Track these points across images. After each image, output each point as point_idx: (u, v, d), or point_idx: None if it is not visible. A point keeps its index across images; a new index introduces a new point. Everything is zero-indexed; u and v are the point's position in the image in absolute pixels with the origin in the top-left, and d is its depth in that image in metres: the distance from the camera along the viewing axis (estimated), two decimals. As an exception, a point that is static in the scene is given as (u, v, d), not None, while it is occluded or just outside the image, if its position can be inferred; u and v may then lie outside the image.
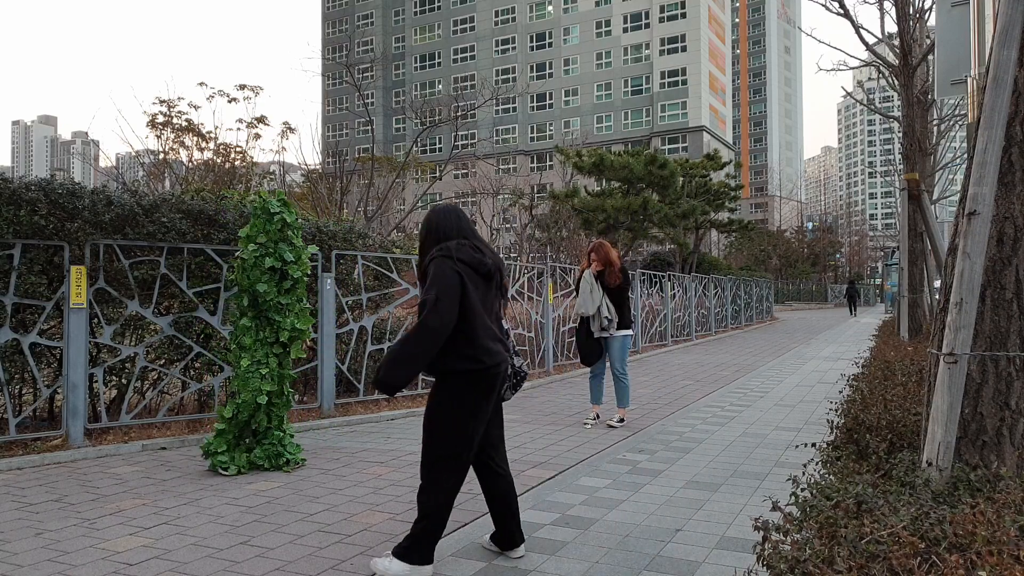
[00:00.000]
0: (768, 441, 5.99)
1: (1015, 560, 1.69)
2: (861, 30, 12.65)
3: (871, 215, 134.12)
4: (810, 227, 66.17)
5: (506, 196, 34.48)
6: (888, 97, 77.22)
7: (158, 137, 21.72)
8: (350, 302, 7.79)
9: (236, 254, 5.33)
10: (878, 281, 62.35)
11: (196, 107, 22.60)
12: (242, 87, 22.83)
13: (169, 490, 4.65)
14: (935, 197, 19.85)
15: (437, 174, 34.31)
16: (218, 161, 22.22)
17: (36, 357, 5.81)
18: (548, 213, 28.51)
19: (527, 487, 4.67)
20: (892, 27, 12.06)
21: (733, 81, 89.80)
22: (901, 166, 15.88)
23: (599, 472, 5.02)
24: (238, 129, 22.93)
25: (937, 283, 8.36)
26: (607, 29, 67.46)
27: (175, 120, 21.73)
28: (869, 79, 39.59)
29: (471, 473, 3.40)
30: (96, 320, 6.12)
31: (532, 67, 70.34)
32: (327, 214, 18.73)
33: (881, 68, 13.70)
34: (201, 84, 22.90)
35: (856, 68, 15.99)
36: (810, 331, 21.58)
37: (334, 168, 23.99)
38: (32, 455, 5.38)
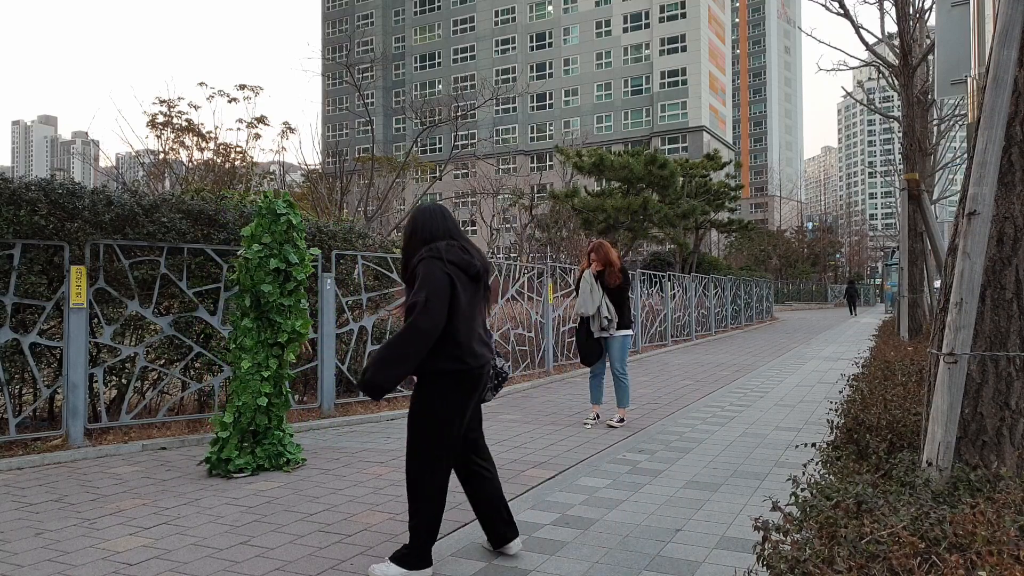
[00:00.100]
0: (768, 441, 5.99)
1: (1015, 560, 1.69)
2: (861, 30, 12.67)
3: (871, 215, 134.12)
4: (810, 227, 66.17)
5: (506, 196, 34.46)
6: (888, 97, 77.26)
7: (158, 137, 21.75)
8: (350, 302, 7.80)
9: (238, 253, 5.32)
10: (878, 281, 62.31)
11: (196, 107, 22.63)
12: (242, 87, 22.84)
13: (169, 490, 4.65)
14: (935, 197, 19.87)
15: (437, 174, 34.33)
16: (218, 161, 22.22)
17: (36, 357, 5.81)
18: (548, 213, 28.47)
19: (527, 487, 4.67)
20: (892, 27, 12.08)
21: (733, 81, 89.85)
22: (901, 166, 15.89)
23: (599, 472, 5.02)
24: (238, 129, 22.97)
25: (937, 283, 8.37)
26: (607, 29, 67.47)
27: (175, 120, 21.75)
28: (869, 79, 39.62)
29: (454, 480, 3.39)
30: (96, 320, 6.12)
31: (532, 67, 70.35)
32: (327, 214, 18.74)
33: (881, 68, 13.70)
34: (201, 84, 22.91)
35: (856, 68, 16.00)
36: (810, 331, 21.58)
37: (334, 168, 24.01)
38: (32, 455, 5.38)
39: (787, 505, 2.26)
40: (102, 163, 36.14)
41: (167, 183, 21.65)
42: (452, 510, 4.05)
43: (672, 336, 16.55)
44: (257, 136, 22.58)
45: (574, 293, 7.95)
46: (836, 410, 3.97)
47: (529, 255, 25.74)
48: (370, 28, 78.16)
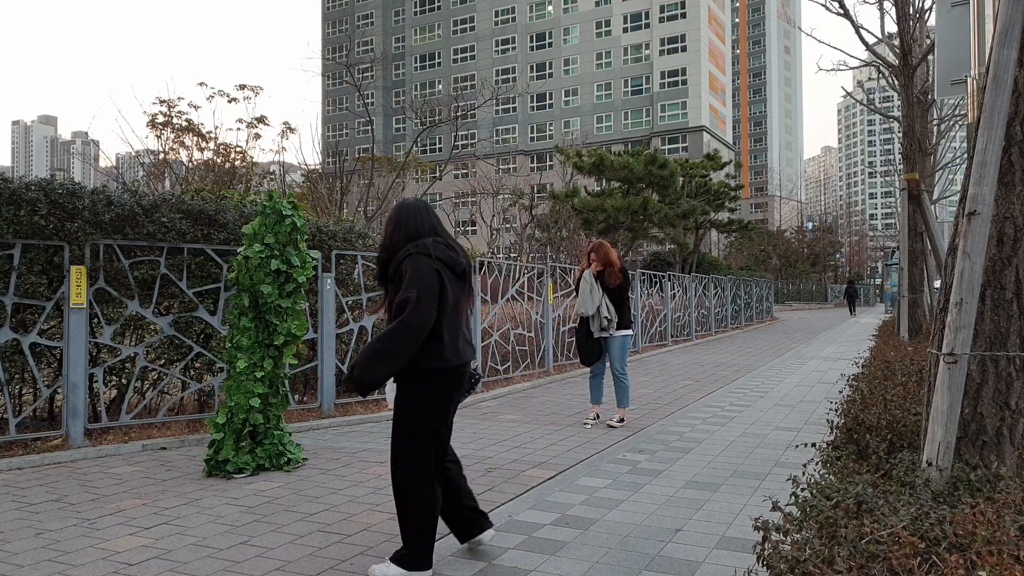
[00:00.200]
0: (768, 441, 5.99)
1: (1015, 560, 1.69)
2: (861, 30, 12.66)
3: (871, 215, 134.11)
4: (810, 227, 66.17)
5: (506, 196, 34.47)
6: (888, 97, 77.22)
7: (158, 137, 21.75)
8: (350, 302, 7.79)
9: (239, 251, 5.31)
10: (878, 281, 62.32)
11: (196, 107, 22.63)
12: (242, 87, 22.84)
13: (169, 490, 4.65)
14: (935, 197, 19.86)
15: (437, 174, 34.34)
16: (218, 161, 22.22)
17: (36, 357, 5.81)
18: (548, 213, 28.49)
19: (527, 487, 4.67)
20: (892, 27, 12.08)
21: (733, 81, 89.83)
22: (901, 166, 15.89)
23: (599, 472, 5.02)
24: (238, 129, 22.96)
25: (937, 283, 8.37)
26: (607, 29, 67.47)
27: (175, 120, 21.75)
28: (869, 79, 39.63)
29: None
30: (96, 320, 6.12)
31: (532, 67, 70.35)
32: (327, 214, 18.75)
33: (881, 68, 13.70)
34: (201, 84, 22.91)
35: (856, 68, 16.00)
36: (810, 331, 21.58)
37: (334, 168, 24.02)
38: (32, 455, 5.38)
39: (787, 505, 2.26)
40: (102, 163, 36.16)
41: (167, 183, 21.65)
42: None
43: (672, 336, 16.55)
44: (257, 136, 22.60)
45: (574, 293, 7.95)
46: (836, 410, 3.97)
47: (529, 255, 25.74)
48: (370, 28, 78.15)
